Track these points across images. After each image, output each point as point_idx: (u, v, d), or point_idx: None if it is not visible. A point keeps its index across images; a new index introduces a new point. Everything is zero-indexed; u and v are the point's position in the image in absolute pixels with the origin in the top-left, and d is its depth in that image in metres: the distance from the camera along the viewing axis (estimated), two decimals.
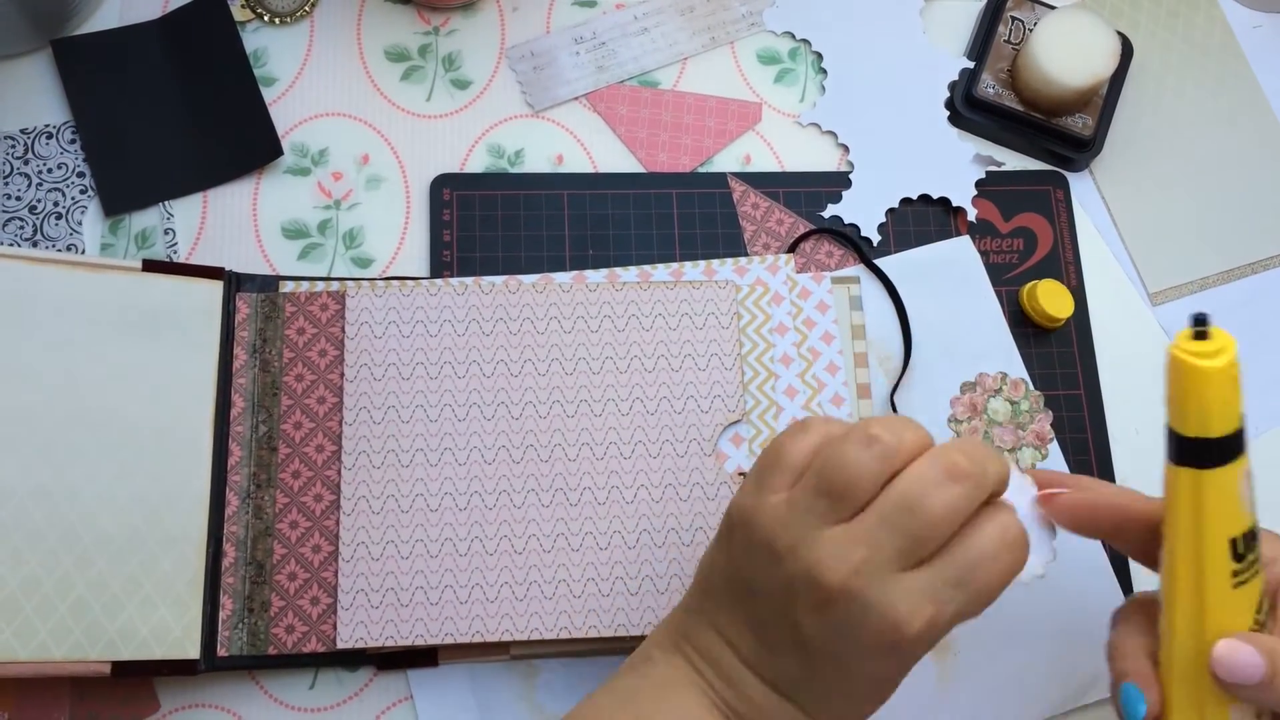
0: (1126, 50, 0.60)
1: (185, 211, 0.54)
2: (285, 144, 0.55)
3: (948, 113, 0.59)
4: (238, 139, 0.55)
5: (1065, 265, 0.57)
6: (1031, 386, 0.55)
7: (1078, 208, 0.58)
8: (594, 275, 0.54)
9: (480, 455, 0.50)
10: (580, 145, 0.57)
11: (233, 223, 0.54)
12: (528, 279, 0.53)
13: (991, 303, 0.56)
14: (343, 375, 0.50)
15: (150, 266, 0.50)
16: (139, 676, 0.45)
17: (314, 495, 0.49)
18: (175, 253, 0.53)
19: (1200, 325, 0.32)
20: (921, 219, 0.57)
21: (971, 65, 0.59)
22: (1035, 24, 0.58)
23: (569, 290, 0.53)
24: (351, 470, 0.49)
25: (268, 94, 0.56)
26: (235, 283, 0.51)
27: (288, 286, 0.52)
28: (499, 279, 0.53)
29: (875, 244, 0.56)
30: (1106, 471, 0.54)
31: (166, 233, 0.53)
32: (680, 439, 0.51)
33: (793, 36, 0.60)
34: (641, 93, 0.58)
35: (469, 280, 0.53)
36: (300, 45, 0.57)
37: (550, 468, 0.50)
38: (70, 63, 0.55)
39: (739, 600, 0.36)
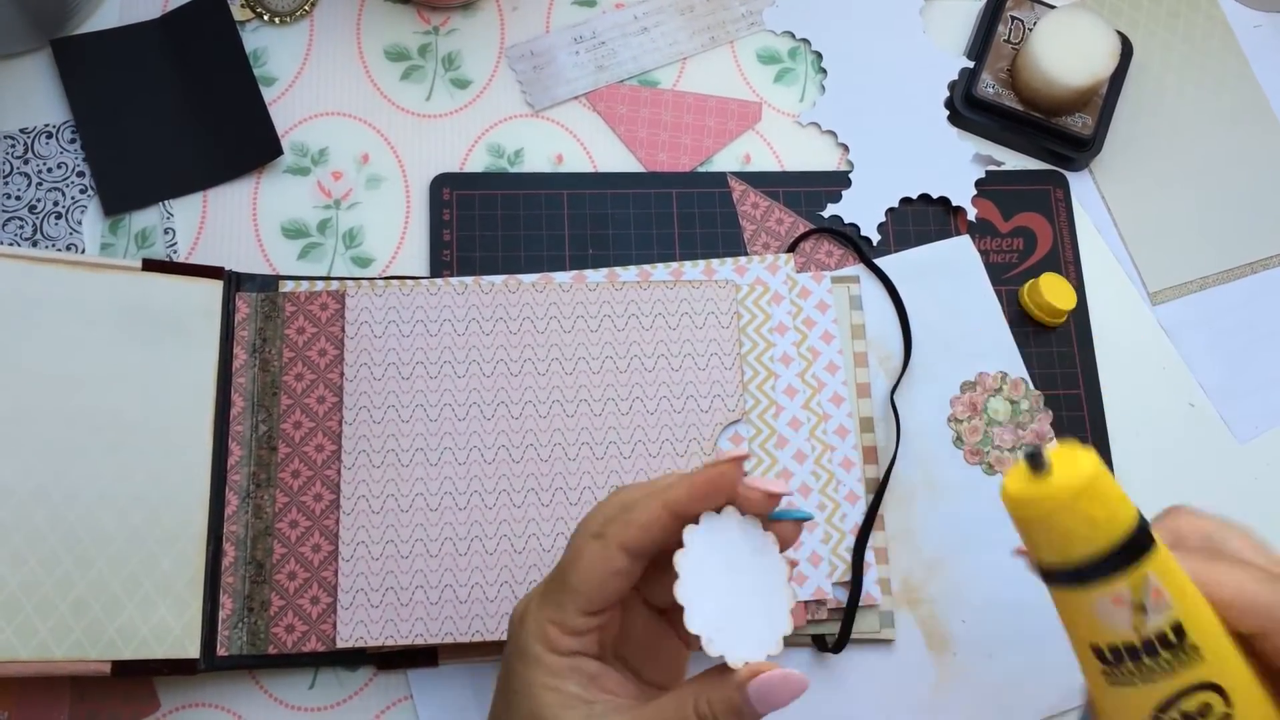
0: (1126, 50, 0.60)
1: (185, 211, 0.54)
2: (285, 143, 0.55)
3: (948, 112, 0.59)
4: (238, 138, 0.55)
5: (1065, 265, 0.57)
6: (1031, 386, 0.55)
7: (1077, 207, 0.58)
8: (594, 275, 0.54)
9: (480, 454, 0.50)
10: (580, 145, 0.57)
11: (233, 222, 0.54)
12: (527, 278, 0.53)
13: (991, 302, 0.56)
14: (342, 375, 0.50)
15: (150, 266, 0.50)
16: (139, 676, 0.45)
17: (314, 494, 0.49)
18: (175, 252, 0.53)
19: (1034, 459, 0.30)
20: (921, 218, 0.57)
21: (971, 65, 0.59)
22: (1035, 24, 0.58)
23: (569, 290, 0.53)
24: (351, 470, 0.49)
25: (267, 93, 0.56)
26: (235, 282, 0.51)
27: (287, 286, 0.52)
28: (499, 279, 0.53)
29: (875, 243, 0.56)
30: None
31: (166, 232, 0.53)
32: (680, 438, 0.51)
33: (793, 36, 0.60)
34: (641, 92, 0.58)
35: (469, 280, 0.53)
36: (300, 45, 0.57)
37: (550, 467, 0.50)
38: (70, 62, 0.55)
39: None
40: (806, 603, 0.49)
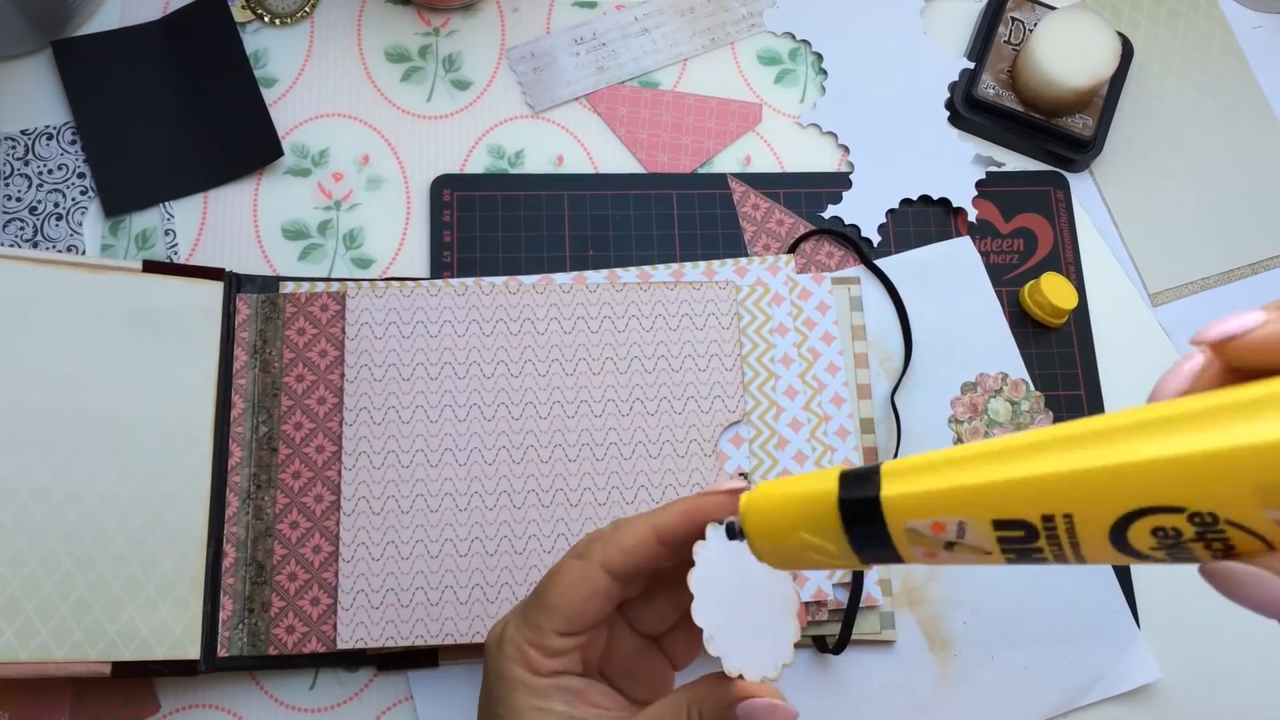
0: (1126, 50, 0.60)
1: (185, 212, 0.54)
2: (285, 145, 0.55)
3: (948, 113, 0.59)
4: (238, 140, 0.55)
5: (1065, 266, 0.57)
6: (1032, 387, 0.55)
7: (1078, 208, 0.58)
8: (594, 276, 0.54)
9: (480, 456, 0.50)
10: (580, 146, 0.57)
11: (233, 223, 0.54)
12: (528, 279, 0.53)
13: (992, 303, 0.56)
14: (343, 376, 0.50)
15: (151, 267, 0.50)
16: (139, 677, 0.45)
17: (314, 496, 0.49)
18: (176, 253, 0.53)
19: (730, 531, 0.30)
20: (922, 219, 0.57)
21: (972, 66, 0.59)
22: (1035, 24, 0.58)
23: (569, 291, 0.53)
24: (352, 471, 0.49)
25: (268, 95, 0.56)
26: (236, 283, 0.51)
27: (288, 287, 0.52)
28: (499, 280, 0.53)
29: (875, 244, 0.56)
30: None
31: (167, 233, 0.53)
32: (680, 439, 0.51)
33: (793, 37, 0.60)
34: (642, 93, 0.58)
35: (469, 281, 0.53)
36: (300, 46, 0.57)
37: (550, 468, 0.50)
38: (70, 63, 0.55)
39: None
40: (807, 604, 0.49)
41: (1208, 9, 0.63)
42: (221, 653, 0.46)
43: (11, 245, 0.52)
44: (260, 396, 0.50)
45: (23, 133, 0.54)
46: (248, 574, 0.48)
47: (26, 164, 0.54)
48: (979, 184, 0.58)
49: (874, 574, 0.50)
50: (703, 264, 0.54)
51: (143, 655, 0.45)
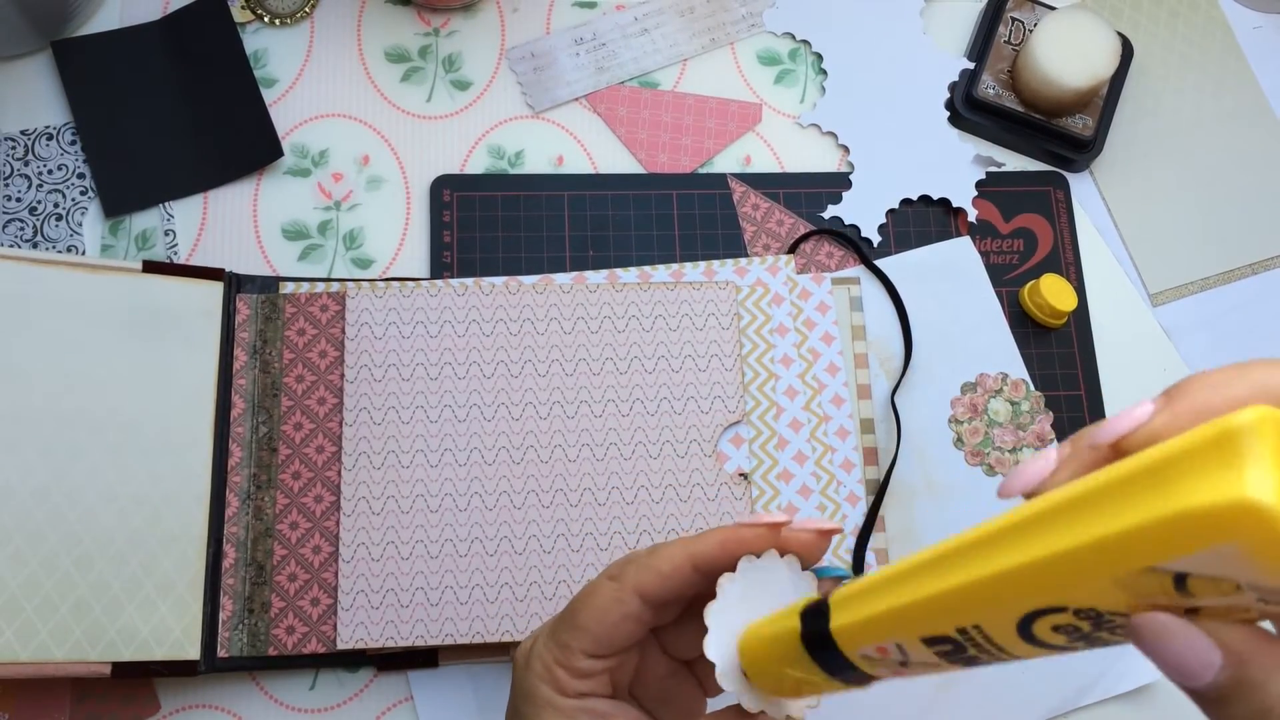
0: (1126, 51, 0.60)
1: (185, 212, 0.54)
2: (285, 145, 0.55)
3: (948, 113, 0.59)
4: (238, 140, 0.55)
5: (1065, 266, 0.57)
6: (1032, 387, 0.55)
7: (1078, 208, 0.58)
8: (594, 276, 0.54)
9: (480, 456, 0.50)
10: (580, 146, 0.57)
11: (233, 224, 0.54)
12: (528, 280, 0.53)
13: (992, 303, 0.56)
14: (343, 376, 0.50)
15: (150, 267, 0.50)
16: (139, 677, 0.45)
17: (314, 496, 0.49)
18: (175, 254, 0.53)
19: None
20: (922, 219, 0.57)
21: (972, 66, 0.59)
22: (1035, 24, 0.58)
23: (569, 291, 0.53)
24: (352, 471, 0.49)
25: (268, 95, 0.56)
26: (235, 284, 0.51)
27: (288, 287, 0.52)
28: (499, 280, 0.53)
29: (875, 245, 0.56)
30: None
31: (167, 234, 0.53)
32: (680, 440, 0.51)
33: (793, 37, 0.60)
34: (642, 94, 0.58)
35: (469, 281, 0.53)
36: (300, 46, 0.57)
37: (550, 468, 0.50)
38: (70, 64, 0.55)
39: None
40: None
41: (1208, 9, 0.63)
42: (221, 653, 0.46)
43: (11, 245, 0.52)
44: (260, 397, 0.50)
45: (23, 133, 0.54)
46: (248, 574, 0.48)
47: (26, 164, 0.54)
48: (979, 184, 0.58)
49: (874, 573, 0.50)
50: (703, 264, 0.54)
51: (143, 656, 0.45)
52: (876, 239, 0.56)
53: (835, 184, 0.57)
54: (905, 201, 0.57)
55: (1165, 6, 0.63)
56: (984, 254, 0.57)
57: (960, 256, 0.56)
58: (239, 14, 0.57)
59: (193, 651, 0.46)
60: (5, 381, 0.46)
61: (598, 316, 0.52)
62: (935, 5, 0.62)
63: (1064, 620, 0.22)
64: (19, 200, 0.53)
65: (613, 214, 0.55)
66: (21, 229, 0.53)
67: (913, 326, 0.55)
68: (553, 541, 0.49)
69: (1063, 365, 0.55)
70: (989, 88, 0.58)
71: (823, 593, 0.31)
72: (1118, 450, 0.22)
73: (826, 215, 0.57)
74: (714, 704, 0.36)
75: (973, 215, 0.57)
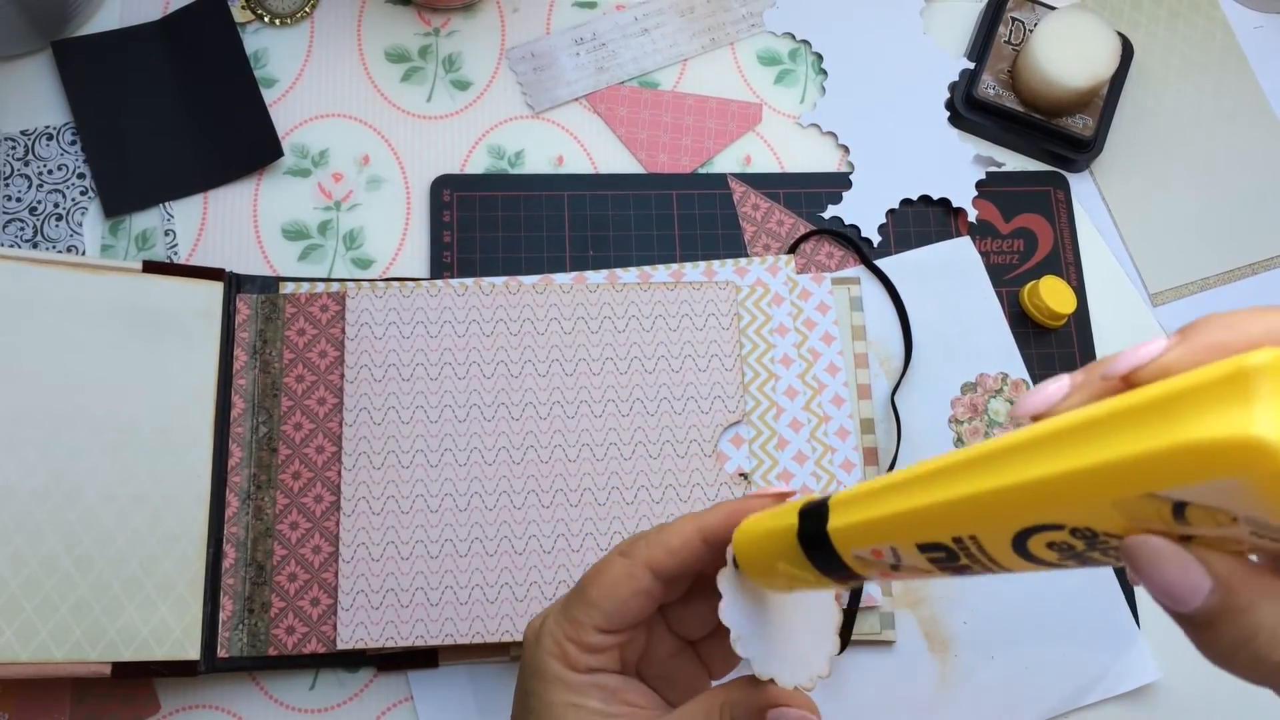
0: (1127, 51, 0.60)
1: (185, 212, 0.54)
2: (285, 145, 0.55)
3: (948, 113, 0.59)
4: (238, 140, 0.55)
5: (1066, 266, 0.57)
6: (1032, 387, 0.54)
7: (1078, 208, 0.58)
8: (594, 276, 0.54)
9: (480, 456, 0.50)
10: (580, 146, 0.57)
11: (233, 224, 0.54)
12: (528, 280, 0.53)
13: (992, 303, 0.56)
14: (343, 376, 0.50)
15: (151, 268, 0.50)
16: (139, 677, 0.45)
17: (314, 496, 0.49)
18: (176, 254, 0.53)
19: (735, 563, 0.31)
20: (922, 219, 0.57)
21: (972, 66, 0.59)
22: (1035, 24, 0.58)
23: (569, 291, 0.53)
24: (352, 471, 0.49)
25: (268, 95, 0.56)
26: (235, 284, 0.51)
27: (288, 288, 0.52)
28: (499, 280, 0.53)
29: (875, 245, 0.56)
30: None
31: (167, 234, 0.53)
32: (680, 440, 0.51)
33: (793, 37, 0.60)
34: (642, 94, 0.58)
35: (469, 281, 0.53)
36: (300, 46, 0.57)
37: (550, 468, 0.50)
38: (70, 64, 0.55)
39: None
40: None
41: (1208, 9, 0.63)
42: (221, 653, 0.46)
43: (11, 245, 0.52)
44: (260, 397, 0.50)
45: (23, 133, 0.54)
46: (248, 574, 0.48)
47: (26, 164, 0.54)
48: (979, 184, 0.58)
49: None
50: (703, 264, 0.54)
51: (143, 656, 0.45)
52: (876, 239, 0.56)
53: (835, 184, 0.57)
54: (905, 201, 0.57)
55: (1165, 6, 0.63)
56: (984, 254, 0.57)
57: (960, 256, 0.56)
58: (239, 14, 0.57)
59: (193, 651, 0.46)
60: (5, 381, 0.46)
61: (598, 316, 0.52)
62: (935, 5, 0.62)
63: (1059, 538, 0.22)
64: (19, 200, 0.53)
65: (613, 214, 0.55)
66: (21, 229, 0.53)
67: (913, 326, 0.55)
68: (553, 541, 0.49)
69: (1063, 365, 0.55)
70: (989, 88, 0.58)
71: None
72: (1129, 382, 0.22)
73: (826, 215, 0.57)
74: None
75: (973, 215, 0.57)
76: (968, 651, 0.50)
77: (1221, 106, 0.61)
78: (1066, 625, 0.51)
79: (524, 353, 0.51)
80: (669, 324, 0.52)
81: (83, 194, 0.54)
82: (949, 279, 0.56)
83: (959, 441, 0.54)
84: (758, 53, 0.60)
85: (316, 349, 0.51)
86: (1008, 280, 0.56)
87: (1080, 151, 0.58)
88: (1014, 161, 0.59)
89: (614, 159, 0.57)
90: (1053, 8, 0.59)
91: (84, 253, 0.53)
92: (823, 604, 0.34)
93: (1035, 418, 0.24)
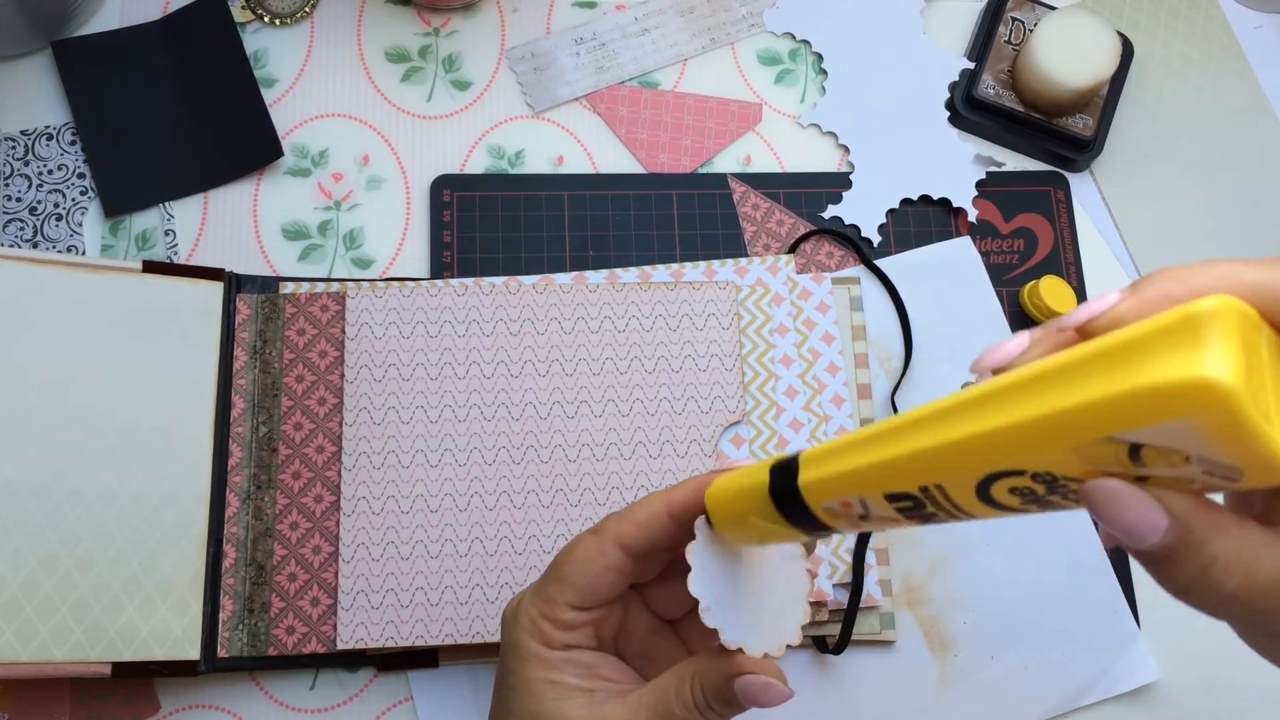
0: (1127, 50, 0.60)
1: (185, 212, 0.54)
2: (285, 145, 0.55)
3: (948, 113, 0.59)
4: (238, 140, 0.55)
5: (1066, 266, 0.57)
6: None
7: (1078, 208, 0.58)
8: (594, 276, 0.54)
9: (480, 456, 0.50)
10: (580, 146, 0.57)
11: (233, 224, 0.54)
12: (528, 280, 0.53)
13: (992, 303, 0.56)
14: (343, 376, 0.50)
15: (151, 267, 0.50)
16: (139, 677, 0.45)
17: (314, 496, 0.49)
18: (176, 254, 0.53)
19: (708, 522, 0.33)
20: (922, 219, 0.57)
21: (972, 66, 0.59)
22: (1036, 24, 0.58)
23: (569, 291, 0.53)
24: (352, 471, 0.49)
25: (268, 95, 0.56)
26: (235, 284, 0.51)
27: (288, 287, 0.52)
28: (499, 280, 0.53)
29: (876, 245, 0.56)
30: None
31: (167, 234, 0.53)
32: (680, 440, 0.51)
33: (793, 37, 0.60)
34: (642, 93, 0.58)
35: (469, 281, 0.53)
36: (300, 46, 0.57)
37: (550, 468, 0.50)
38: (70, 64, 0.55)
39: None
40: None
41: (1208, 9, 0.63)
42: (221, 653, 0.46)
43: (11, 245, 0.52)
44: (260, 397, 0.50)
45: (23, 133, 0.54)
46: (248, 574, 0.48)
47: (26, 164, 0.54)
48: (979, 184, 0.58)
49: (874, 574, 0.50)
50: (703, 264, 0.54)
51: (143, 656, 0.45)
52: (876, 239, 0.56)
53: (835, 184, 0.57)
54: (905, 201, 0.57)
55: (1165, 6, 0.63)
56: (984, 254, 0.57)
57: (960, 256, 0.56)
58: (239, 14, 0.57)
59: (193, 651, 0.46)
60: (5, 381, 0.46)
61: (598, 316, 0.52)
62: (935, 5, 0.62)
63: (1021, 484, 0.23)
64: (19, 200, 0.53)
65: (613, 214, 0.55)
66: (21, 229, 0.53)
67: (913, 326, 0.55)
68: (552, 541, 0.49)
69: None
70: (989, 88, 0.58)
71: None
72: (1085, 334, 0.23)
73: (826, 215, 0.57)
74: None
75: (973, 215, 0.57)
76: (968, 651, 0.50)
77: (1222, 106, 0.61)
78: (1066, 625, 0.51)
79: (524, 353, 0.51)
80: (669, 324, 0.52)
81: (83, 194, 0.54)
82: (949, 279, 0.56)
83: None
84: (758, 53, 0.60)
85: (316, 349, 0.51)
86: (1008, 280, 0.56)
87: (1080, 151, 0.58)
88: (1014, 161, 0.59)
89: (614, 159, 0.57)
90: (1053, 8, 0.59)
91: (84, 253, 0.53)
92: (793, 573, 0.35)
93: (996, 372, 0.25)
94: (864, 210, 0.57)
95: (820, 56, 0.60)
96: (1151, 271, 0.23)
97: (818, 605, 0.49)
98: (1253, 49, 0.62)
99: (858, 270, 0.56)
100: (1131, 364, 0.20)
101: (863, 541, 0.50)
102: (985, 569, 0.51)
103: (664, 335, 0.52)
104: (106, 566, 0.45)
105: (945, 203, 0.57)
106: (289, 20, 0.57)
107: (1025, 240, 0.57)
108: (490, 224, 0.55)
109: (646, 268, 0.54)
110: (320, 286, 0.52)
